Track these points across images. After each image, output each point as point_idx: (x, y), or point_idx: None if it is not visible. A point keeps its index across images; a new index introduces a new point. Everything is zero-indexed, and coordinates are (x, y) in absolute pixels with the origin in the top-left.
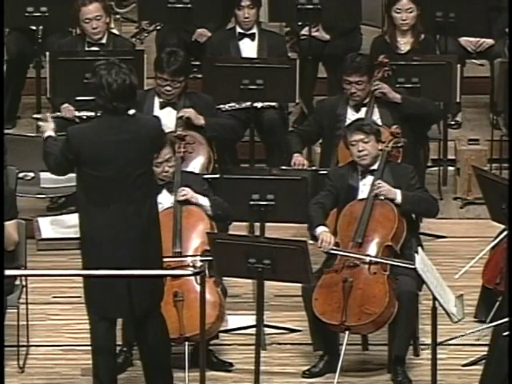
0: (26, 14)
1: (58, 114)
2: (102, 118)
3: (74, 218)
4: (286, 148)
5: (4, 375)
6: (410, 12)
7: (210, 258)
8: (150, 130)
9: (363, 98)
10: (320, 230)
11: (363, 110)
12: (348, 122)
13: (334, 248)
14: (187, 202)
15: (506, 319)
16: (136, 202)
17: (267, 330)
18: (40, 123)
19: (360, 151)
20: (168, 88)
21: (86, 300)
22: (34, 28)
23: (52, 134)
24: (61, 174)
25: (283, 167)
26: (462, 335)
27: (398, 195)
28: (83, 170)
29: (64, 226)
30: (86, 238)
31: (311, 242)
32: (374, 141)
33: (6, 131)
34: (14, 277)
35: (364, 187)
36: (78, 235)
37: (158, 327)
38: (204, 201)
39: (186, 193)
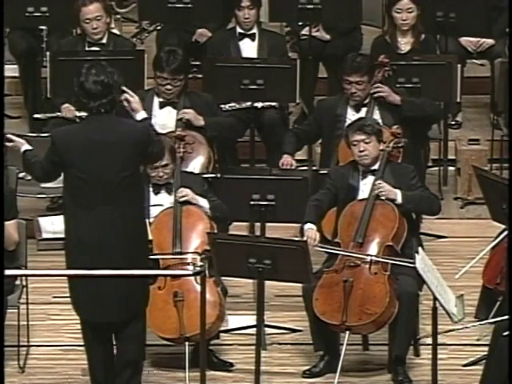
0: (27, 14)
1: (59, 114)
2: (87, 120)
3: None
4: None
5: (4, 375)
6: (411, 12)
7: (204, 256)
8: (136, 133)
9: (363, 98)
10: (307, 226)
11: (363, 110)
12: (348, 122)
13: (319, 245)
14: (187, 201)
15: (506, 317)
16: (122, 205)
17: (268, 330)
18: (9, 144)
19: (361, 151)
20: (168, 87)
21: (72, 302)
22: (38, 28)
23: (28, 147)
24: (48, 180)
25: (269, 167)
26: (462, 328)
27: (398, 195)
28: (68, 172)
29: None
30: (71, 239)
31: (296, 238)
32: (375, 141)
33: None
34: (15, 277)
35: (365, 187)
36: None
37: (137, 333)
38: (204, 202)
39: (186, 194)
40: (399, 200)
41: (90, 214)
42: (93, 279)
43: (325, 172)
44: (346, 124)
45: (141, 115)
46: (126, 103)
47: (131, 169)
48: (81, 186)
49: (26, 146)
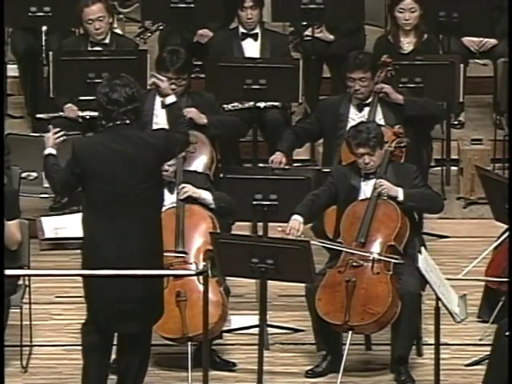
0: (30, 14)
1: (61, 113)
2: (108, 130)
3: (76, 218)
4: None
5: (4, 375)
6: (413, 12)
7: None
8: (158, 145)
9: (366, 95)
10: (293, 217)
11: (366, 109)
12: (350, 121)
13: (302, 236)
14: (190, 198)
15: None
16: (141, 217)
17: (270, 330)
18: (45, 136)
19: (366, 163)
20: (173, 86)
21: (87, 309)
22: (38, 27)
23: (52, 151)
24: (66, 193)
25: (261, 165)
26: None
27: (399, 193)
28: (88, 184)
29: (67, 225)
30: (88, 251)
31: (280, 228)
32: (379, 150)
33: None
34: (17, 277)
35: (366, 187)
36: (80, 235)
37: (144, 348)
38: (206, 195)
39: (188, 189)
40: (401, 197)
41: (109, 226)
42: (111, 290)
43: (328, 170)
44: (349, 124)
45: (170, 99)
46: (154, 87)
47: (152, 180)
48: (101, 197)
49: (50, 150)
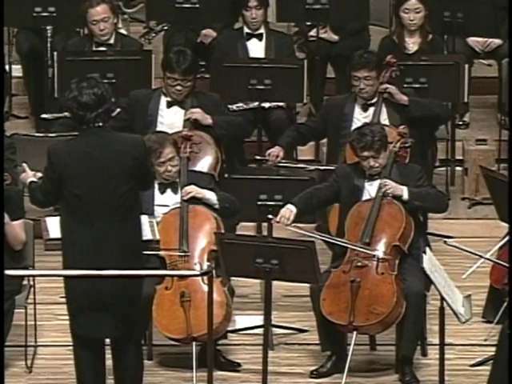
0: (34, 14)
1: (66, 114)
2: (83, 134)
3: None
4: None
5: (4, 375)
6: (418, 12)
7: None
8: (134, 147)
9: (371, 95)
10: (286, 206)
11: (371, 109)
12: (355, 121)
13: (293, 225)
14: (194, 199)
15: None
16: (121, 220)
17: (275, 330)
18: (20, 177)
19: (371, 166)
20: (178, 88)
21: (69, 318)
22: (43, 27)
23: (33, 179)
24: (49, 203)
25: (257, 157)
26: None
27: (404, 192)
28: (66, 189)
29: None
30: (68, 255)
31: (270, 216)
32: (384, 153)
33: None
34: (22, 277)
35: (370, 188)
36: None
37: (135, 356)
38: (210, 195)
39: (191, 190)
40: (405, 196)
41: (88, 231)
42: (90, 295)
43: (332, 168)
44: (353, 123)
45: None
46: None
47: (130, 183)
48: (79, 202)
49: (31, 178)
